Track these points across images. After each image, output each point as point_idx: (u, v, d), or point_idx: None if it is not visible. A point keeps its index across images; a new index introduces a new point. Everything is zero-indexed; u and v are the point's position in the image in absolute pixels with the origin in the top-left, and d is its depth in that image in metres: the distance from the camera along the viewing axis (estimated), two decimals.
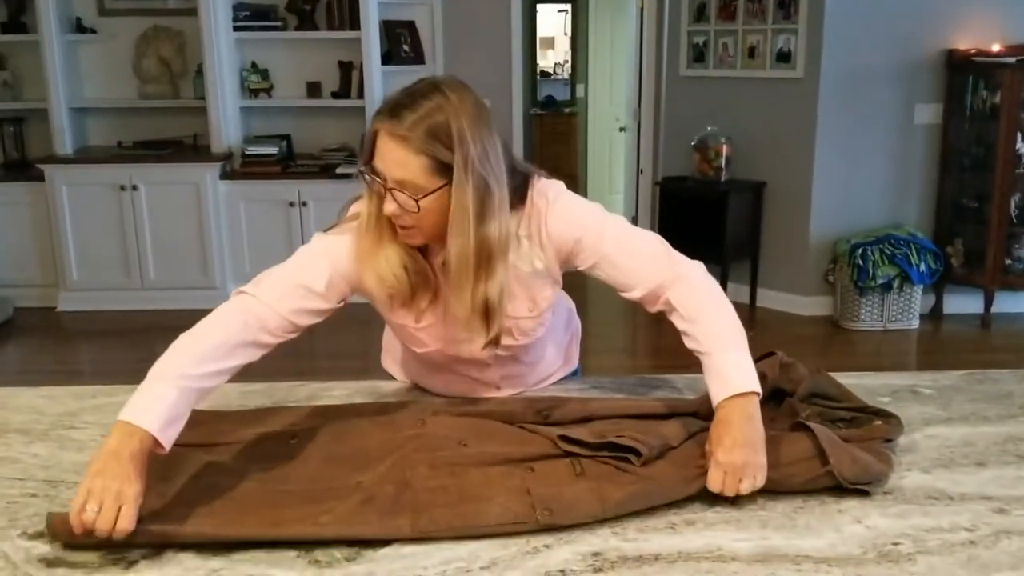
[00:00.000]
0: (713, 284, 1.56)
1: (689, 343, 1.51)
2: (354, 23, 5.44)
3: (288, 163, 5.59)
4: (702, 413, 1.51)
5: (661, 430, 1.46)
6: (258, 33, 5.55)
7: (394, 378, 1.87)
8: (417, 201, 1.38)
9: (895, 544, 1.21)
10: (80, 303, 5.44)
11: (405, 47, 5.72)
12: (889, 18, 4.98)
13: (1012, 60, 4.79)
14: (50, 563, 1.18)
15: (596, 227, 1.53)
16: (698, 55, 5.53)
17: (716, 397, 1.43)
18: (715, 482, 1.32)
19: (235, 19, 5.51)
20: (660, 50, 5.75)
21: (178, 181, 5.34)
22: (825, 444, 1.36)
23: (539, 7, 8.77)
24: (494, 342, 1.49)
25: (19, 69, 5.65)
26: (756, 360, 1.62)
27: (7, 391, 1.77)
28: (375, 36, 5.50)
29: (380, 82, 5.51)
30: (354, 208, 1.53)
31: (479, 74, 4.73)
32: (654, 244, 1.56)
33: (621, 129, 7.59)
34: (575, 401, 1.61)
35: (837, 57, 5.01)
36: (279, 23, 5.58)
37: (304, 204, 5.37)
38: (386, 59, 5.63)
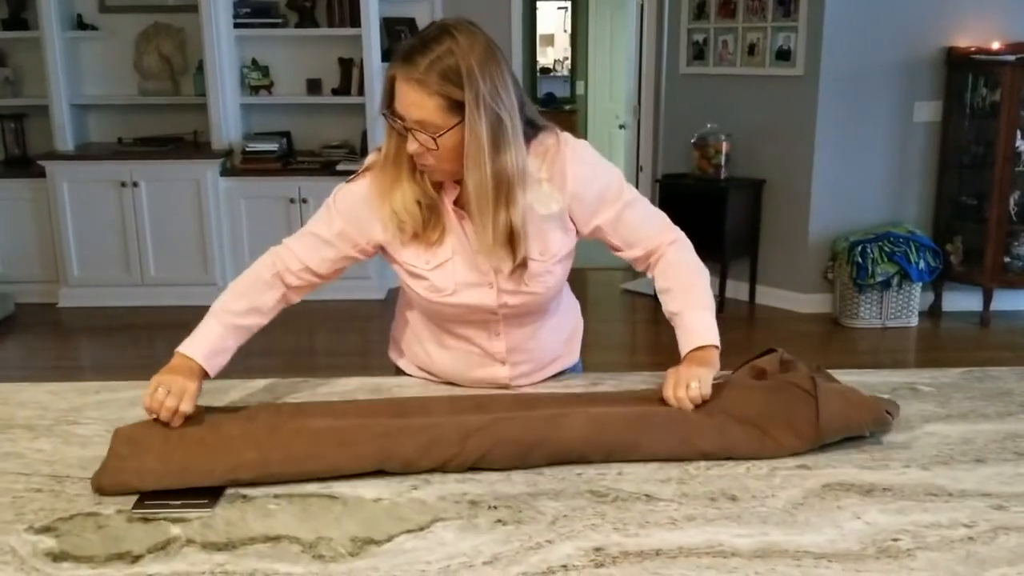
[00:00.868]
0: (694, 253, 1.73)
1: (665, 299, 1.69)
2: (355, 20, 5.45)
3: (288, 160, 5.59)
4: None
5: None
6: (259, 30, 5.56)
7: (399, 372, 1.88)
8: (435, 139, 1.48)
9: (894, 540, 1.22)
10: (81, 299, 5.45)
11: None
12: (889, 16, 4.99)
13: (1012, 58, 4.80)
14: (56, 557, 1.19)
15: (617, 183, 1.67)
16: (698, 53, 5.54)
17: (684, 348, 1.62)
18: (667, 388, 1.53)
19: (236, 16, 5.52)
20: (660, 47, 5.76)
21: (178, 178, 5.35)
22: (821, 393, 1.47)
23: (539, 4, 8.78)
24: (522, 265, 1.58)
25: (20, 66, 5.66)
26: (756, 357, 1.65)
27: (11, 387, 1.78)
28: (375, 33, 5.50)
29: (380, 79, 5.50)
30: (370, 159, 1.66)
31: None
32: (655, 208, 1.75)
33: (621, 126, 7.59)
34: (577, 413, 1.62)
35: (837, 55, 5.01)
36: (280, 20, 5.59)
37: (304, 201, 5.38)
38: (386, 56, 5.63)
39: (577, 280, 1.70)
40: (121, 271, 5.45)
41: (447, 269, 1.62)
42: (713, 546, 1.21)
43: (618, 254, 1.73)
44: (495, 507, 1.31)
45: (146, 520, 1.28)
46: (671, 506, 1.32)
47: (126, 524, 1.27)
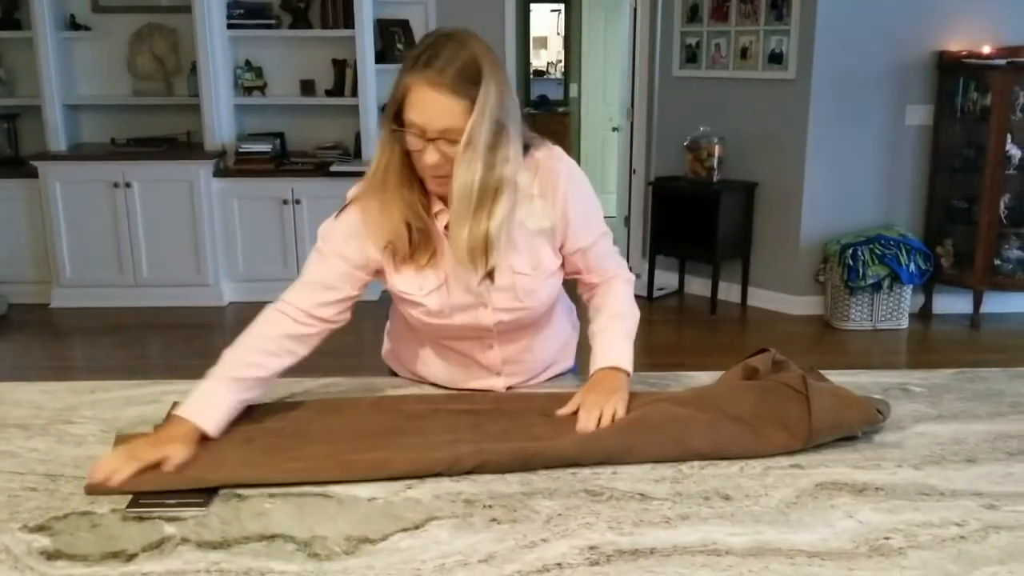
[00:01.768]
0: (633, 295, 1.75)
1: (595, 317, 1.71)
2: (348, 22, 5.45)
3: (282, 161, 5.59)
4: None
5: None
6: (252, 31, 5.56)
7: (393, 373, 1.88)
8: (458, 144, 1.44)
9: (886, 539, 1.23)
10: (73, 300, 5.44)
11: (399, 46, 5.72)
12: (881, 20, 5.01)
13: (1002, 62, 4.82)
14: (50, 556, 1.19)
15: (599, 210, 1.70)
16: (691, 56, 5.55)
17: (593, 366, 1.63)
18: (582, 422, 1.50)
19: (229, 17, 5.52)
20: (653, 50, 5.77)
21: (171, 178, 5.34)
22: (812, 393, 1.48)
23: (532, 6, 8.79)
24: (489, 276, 1.55)
25: (13, 66, 5.65)
26: (749, 356, 1.65)
27: (6, 386, 1.78)
28: (369, 35, 5.51)
29: (374, 81, 5.52)
30: (352, 192, 1.62)
31: None
32: (611, 242, 1.75)
33: (614, 129, 7.58)
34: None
35: (829, 58, 5.04)
36: (273, 21, 5.59)
37: (298, 202, 5.37)
38: (380, 58, 5.64)
39: (571, 282, 1.71)
40: (114, 272, 5.44)
41: (441, 294, 1.60)
42: (707, 545, 1.22)
43: (575, 276, 1.72)
44: (490, 506, 1.32)
45: (140, 519, 1.28)
46: (665, 505, 1.32)
47: (120, 523, 1.27)
